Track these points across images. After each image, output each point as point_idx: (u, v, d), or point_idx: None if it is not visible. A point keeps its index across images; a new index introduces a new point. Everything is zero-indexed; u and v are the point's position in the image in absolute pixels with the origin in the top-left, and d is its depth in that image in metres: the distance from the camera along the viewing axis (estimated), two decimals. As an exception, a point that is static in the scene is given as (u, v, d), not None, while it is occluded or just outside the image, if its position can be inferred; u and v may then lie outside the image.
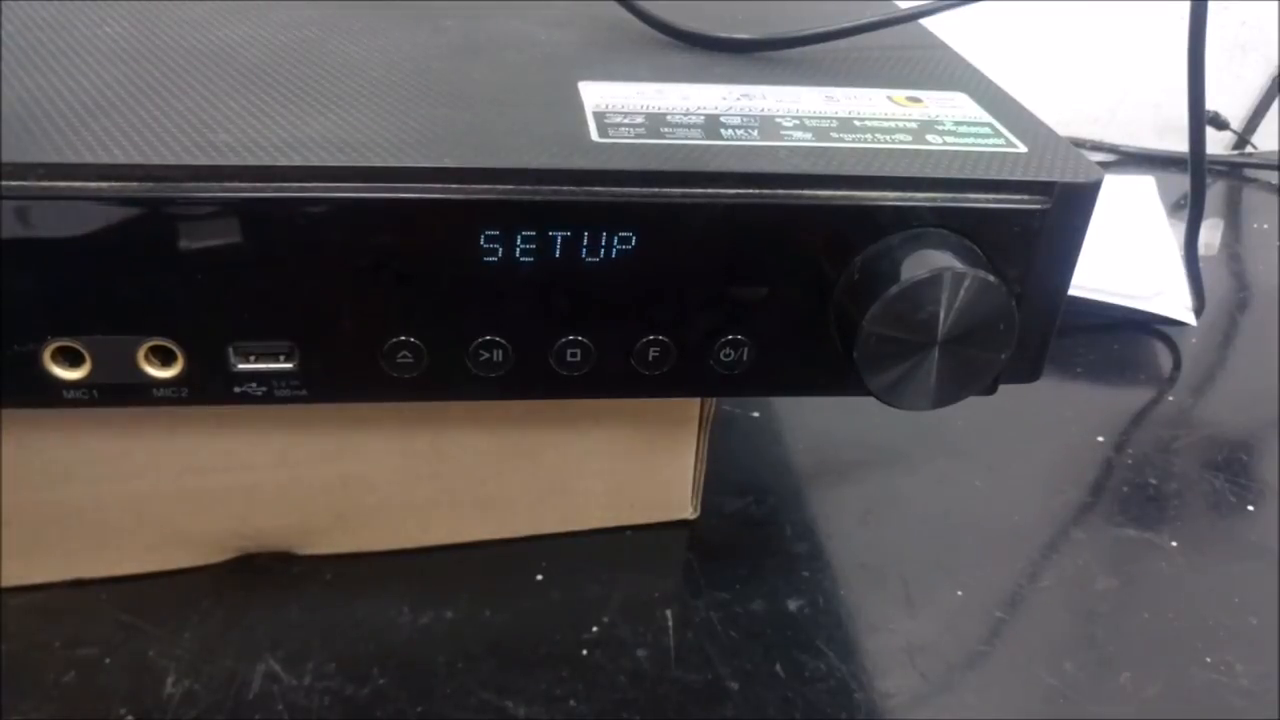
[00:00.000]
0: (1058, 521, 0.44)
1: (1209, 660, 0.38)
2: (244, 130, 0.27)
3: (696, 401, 0.39)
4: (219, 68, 0.31)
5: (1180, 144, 0.38)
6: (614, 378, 0.30)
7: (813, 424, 0.49)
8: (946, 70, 0.36)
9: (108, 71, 0.30)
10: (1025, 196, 0.28)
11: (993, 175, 0.28)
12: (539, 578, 0.40)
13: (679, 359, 0.30)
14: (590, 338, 0.29)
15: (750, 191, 0.27)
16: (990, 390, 0.31)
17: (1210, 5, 0.42)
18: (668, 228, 0.28)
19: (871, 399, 0.29)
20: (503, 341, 0.29)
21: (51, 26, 0.33)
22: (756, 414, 0.50)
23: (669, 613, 0.39)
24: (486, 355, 0.29)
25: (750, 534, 0.43)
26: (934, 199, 0.28)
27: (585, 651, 0.37)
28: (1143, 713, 0.36)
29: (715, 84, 0.33)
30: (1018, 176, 0.28)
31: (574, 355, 0.29)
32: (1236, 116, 0.88)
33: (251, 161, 0.26)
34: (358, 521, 0.39)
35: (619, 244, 0.28)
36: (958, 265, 0.27)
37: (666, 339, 0.29)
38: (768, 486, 0.45)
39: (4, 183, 0.25)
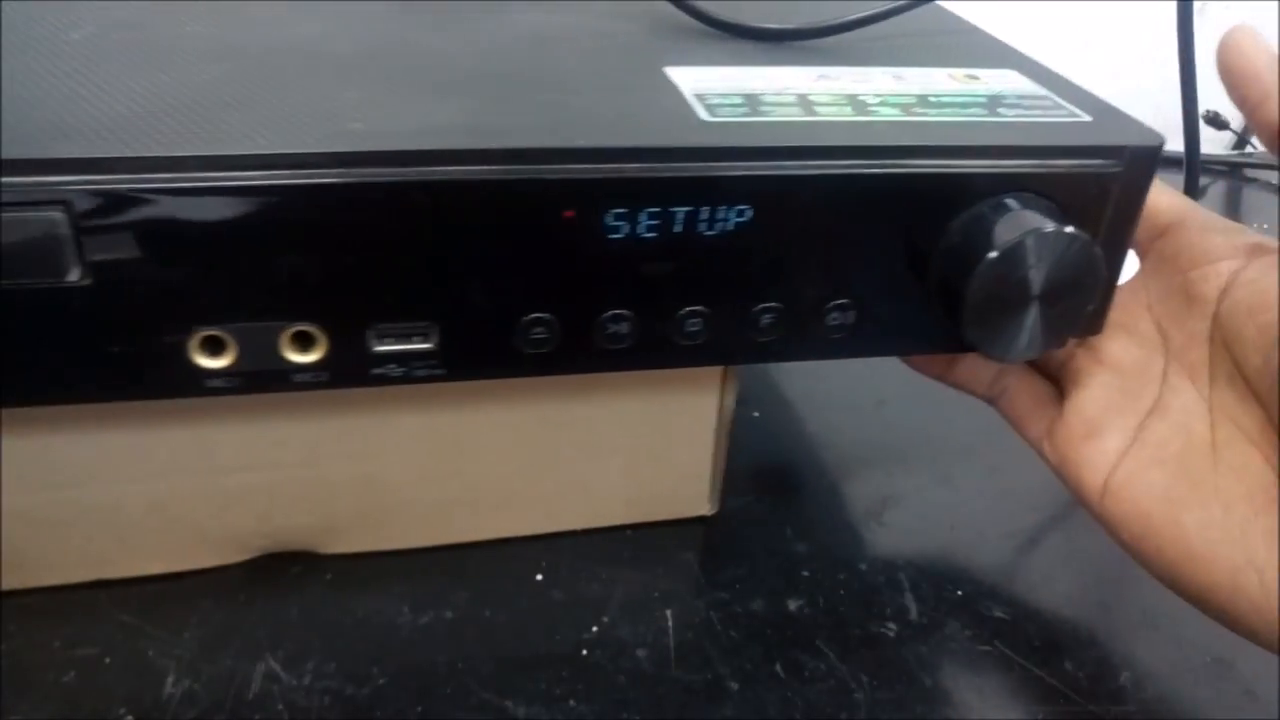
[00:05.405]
0: (1058, 521, 0.45)
1: (1209, 660, 0.38)
2: (372, 119, 0.28)
3: (716, 397, 0.39)
4: (314, 63, 0.32)
5: (1181, 144, 0.40)
6: (730, 344, 0.31)
7: (814, 424, 0.49)
8: (985, 50, 0.39)
9: (213, 69, 0.30)
10: (1100, 160, 0.31)
11: (1070, 142, 0.31)
12: (539, 578, 0.40)
13: (791, 324, 0.31)
14: (710, 307, 0.30)
15: (858, 162, 0.29)
16: (1061, 343, 0.33)
17: (1211, 5, 0.43)
18: (782, 199, 0.29)
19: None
20: (629, 314, 0.30)
21: (132, 27, 0.33)
22: (757, 414, 0.49)
23: (669, 613, 0.38)
24: (614, 328, 0.30)
25: (750, 534, 0.43)
26: (1021, 165, 0.30)
27: (585, 651, 0.37)
28: (1143, 713, 0.36)
29: (790, 66, 0.34)
30: (1091, 142, 0.31)
31: (694, 325, 0.31)
32: (1236, 116, 0.84)
33: (391, 147, 0.27)
34: (379, 520, 0.39)
35: (736, 216, 0.29)
36: (1050, 225, 0.29)
37: (780, 305, 0.31)
38: (768, 486, 0.45)
39: (159, 175, 0.25)
